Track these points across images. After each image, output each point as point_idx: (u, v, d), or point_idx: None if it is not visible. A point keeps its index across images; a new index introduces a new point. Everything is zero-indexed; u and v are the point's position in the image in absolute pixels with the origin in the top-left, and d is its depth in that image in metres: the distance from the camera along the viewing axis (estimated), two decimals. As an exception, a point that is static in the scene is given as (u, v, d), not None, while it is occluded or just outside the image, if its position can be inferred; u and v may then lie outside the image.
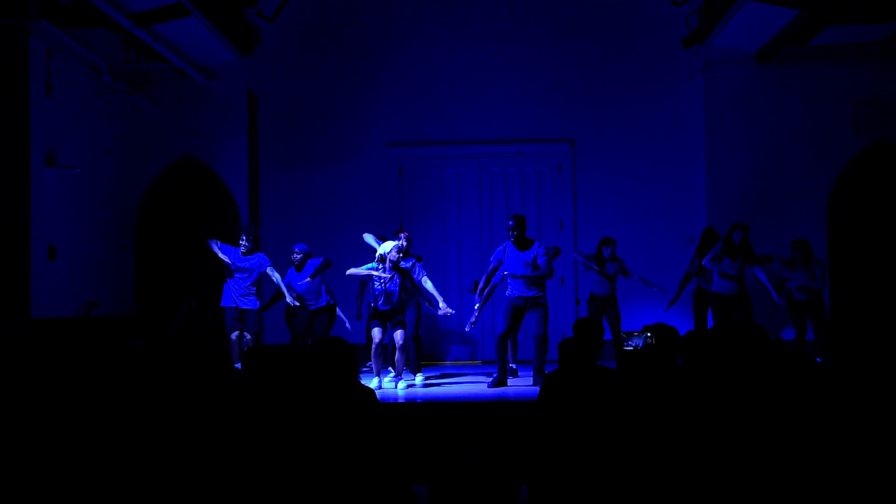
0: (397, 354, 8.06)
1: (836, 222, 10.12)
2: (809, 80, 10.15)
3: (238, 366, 6.72)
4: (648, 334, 5.48)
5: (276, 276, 8.53)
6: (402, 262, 8.06)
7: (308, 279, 8.36)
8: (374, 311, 8.04)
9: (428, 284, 8.23)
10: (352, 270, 8.04)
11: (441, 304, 8.19)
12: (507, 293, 8.07)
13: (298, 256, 8.57)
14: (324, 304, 8.61)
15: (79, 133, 9.18)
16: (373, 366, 8.09)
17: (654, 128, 10.84)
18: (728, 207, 9.90)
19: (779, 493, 2.54)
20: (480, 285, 8.52)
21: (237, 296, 8.58)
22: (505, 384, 7.95)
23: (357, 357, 4.48)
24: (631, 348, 9.19)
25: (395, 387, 7.94)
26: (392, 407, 6.83)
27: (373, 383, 7.84)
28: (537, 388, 5.20)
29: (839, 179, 10.14)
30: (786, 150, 10.20)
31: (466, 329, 8.96)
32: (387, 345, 8.39)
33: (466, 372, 9.74)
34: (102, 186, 9.74)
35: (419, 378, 8.35)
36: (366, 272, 7.97)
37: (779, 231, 9.82)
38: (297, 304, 8.52)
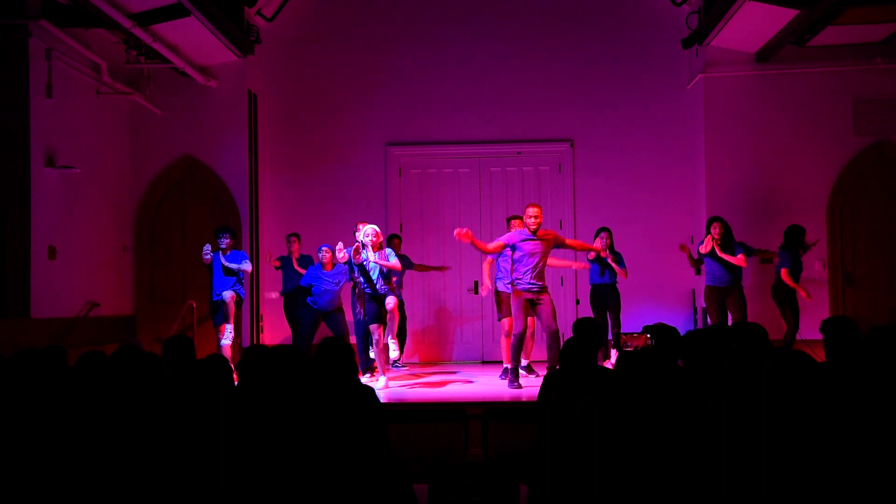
0: (381, 349, 7.95)
1: (835, 222, 10.13)
2: (809, 80, 10.15)
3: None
4: (648, 335, 5.48)
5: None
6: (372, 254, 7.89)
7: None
8: (367, 307, 7.97)
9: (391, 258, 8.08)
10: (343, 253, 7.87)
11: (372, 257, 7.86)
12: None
13: (327, 255, 8.64)
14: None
15: (79, 133, 9.17)
16: (378, 364, 8.05)
17: (654, 128, 10.84)
18: (728, 207, 9.89)
19: (779, 493, 2.54)
20: None
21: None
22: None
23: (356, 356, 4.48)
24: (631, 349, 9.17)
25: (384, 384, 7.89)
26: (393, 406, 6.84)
27: (378, 383, 7.83)
28: (537, 388, 5.19)
29: (839, 179, 10.14)
30: (786, 150, 10.20)
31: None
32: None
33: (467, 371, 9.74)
34: (102, 186, 9.74)
35: (382, 380, 8.04)
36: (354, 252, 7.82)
37: (778, 231, 9.81)
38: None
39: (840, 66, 10.02)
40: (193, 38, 9.33)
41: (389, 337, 7.96)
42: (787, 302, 9.01)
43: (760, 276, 9.91)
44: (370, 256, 7.81)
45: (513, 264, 7.84)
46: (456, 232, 7.58)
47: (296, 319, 9.39)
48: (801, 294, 8.90)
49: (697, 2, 10.27)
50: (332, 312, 8.64)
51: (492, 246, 7.98)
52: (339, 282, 8.64)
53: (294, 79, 11.07)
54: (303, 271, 9.20)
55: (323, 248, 8.73)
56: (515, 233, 7.94)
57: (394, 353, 8.05)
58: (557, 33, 10.98)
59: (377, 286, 7.87)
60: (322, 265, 8.70)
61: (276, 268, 9.91)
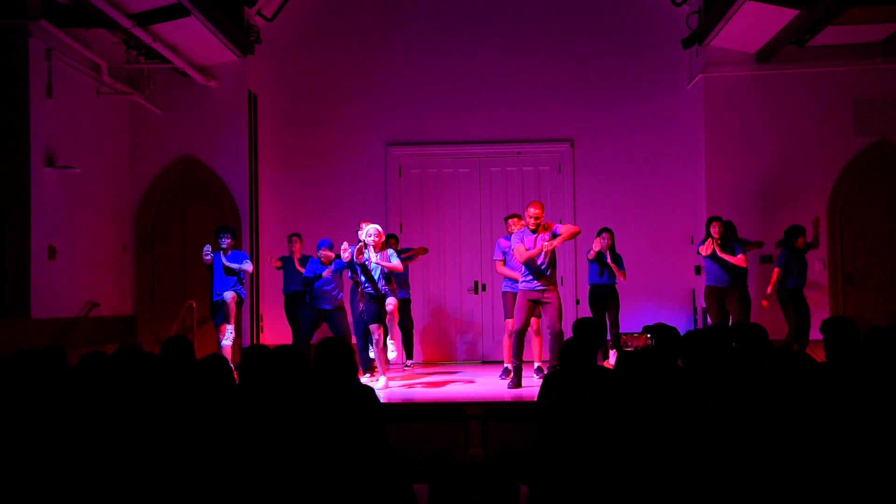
0: (379, 349, 7.95)
1: (835, 222, 10.13)
2: (809, 80, 10.15)
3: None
4: (648, 335, 5.48)
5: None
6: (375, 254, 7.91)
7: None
8: (368, 307, 7.97)
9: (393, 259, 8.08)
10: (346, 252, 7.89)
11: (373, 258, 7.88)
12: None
13: (325, 253, 8.62)
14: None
15: (79, 133, 9.17)
16: (378, 364, 8.05)
17: (654, 128, 10.84)
18: (728, 207, 9.90)
19: (779, 493, 2.55)
20: None
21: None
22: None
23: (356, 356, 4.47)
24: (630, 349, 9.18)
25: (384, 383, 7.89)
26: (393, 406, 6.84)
27: (378, 383, 7.83)
28: (537, 388, 5.20)
29: (839, 179, 10.14)
30: (786, 150, 10.20)
31: None
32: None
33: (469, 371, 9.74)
34: (102, 186, 9.74)
35: (382, 380, 8.05)
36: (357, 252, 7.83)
37: (778, 231, 9.82)
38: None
39: (840, 66, 10.02)
40: (193, 38, 9.33)
41: (389, 337, 7.97)
42: (788, 301, 9.02)
43: (761, 275, 9.91)
44: (372, 257, 7.83)
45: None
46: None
47: (296, 319, 9.40)
48: (768, 292, 9.13)
49: (697, 2, 10.27)
50: (333, 311, 8.61)
51: (507, 269, 7.99)
52: (336, 269, 8.56)
53: (294, 79, 11.06)
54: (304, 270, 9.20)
55: (322, 248, 8.72)
56: (516, 235, 7.96)
57: (392, 353, 8.06)
58: (558, 33, 10.98)
59: (379, 286, 7.88)
60: (320, 262, 8.69)
61: (278, 268, 9.91)
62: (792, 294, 9.02)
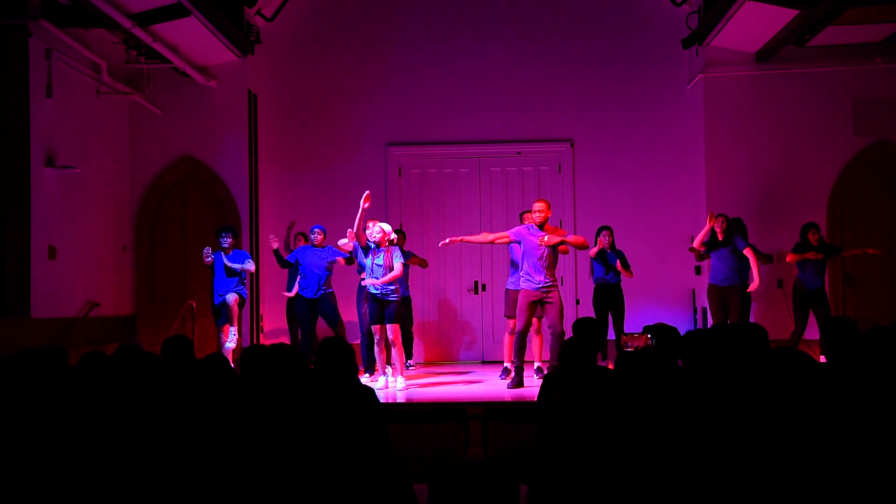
0: (394, 350, 7.96)
1: (835, 222, 10.13)
2: (809, 80, 10.15)
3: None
4: (648, 335, 5.48)
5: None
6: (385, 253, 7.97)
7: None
8: (370, 307, 7.99)
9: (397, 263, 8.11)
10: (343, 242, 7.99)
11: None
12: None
13: (318, 237, 8.77)
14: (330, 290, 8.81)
15: (79, 133, 9.17)
16: (377, 363, 8.06)
17: (654, 127, 10.84)
18: (728, 207, 9.89)
19: (779, 493, 2.54)
20: None
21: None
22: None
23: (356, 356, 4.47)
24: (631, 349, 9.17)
25: (396, 384, 7.89)
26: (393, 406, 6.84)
27: (378, 383, 7.84)
28: (537, 389, 5.20)
29: (839, 179, 10.14)
30: (786, 150, 10.20)
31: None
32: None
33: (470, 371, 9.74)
34: (102, 186, 9.73)
35: (381, 380, 8.05)
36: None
37: (778, 231, 9.83)
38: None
39: (840, 66, 10.03)
40: (193, 38, 9.33)
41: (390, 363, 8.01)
42: (802, 300, 9.00)
43: (761, 275, 9.90)
44: (373, 280, 7.82)
45: (521, 260, 7.90)
46: (441, 244, 8.06)
47: (294, 317, 9.40)
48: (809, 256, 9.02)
49: (697, 2, 10.27)
50: (320, 299, 8.65)
51: (493, 236, 8.07)
52: (327, 259, 8.67)
53: (294, 79, 11.06)
54: None
55: (315, 230, 8.82)
56: (522, 227, 7.99)
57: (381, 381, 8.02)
58: (558, 33, 10.98)
59: (381, 274, 7.87)
60: (312, 245, 8.78)
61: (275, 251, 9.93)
62: (810, 295, 8.96)
